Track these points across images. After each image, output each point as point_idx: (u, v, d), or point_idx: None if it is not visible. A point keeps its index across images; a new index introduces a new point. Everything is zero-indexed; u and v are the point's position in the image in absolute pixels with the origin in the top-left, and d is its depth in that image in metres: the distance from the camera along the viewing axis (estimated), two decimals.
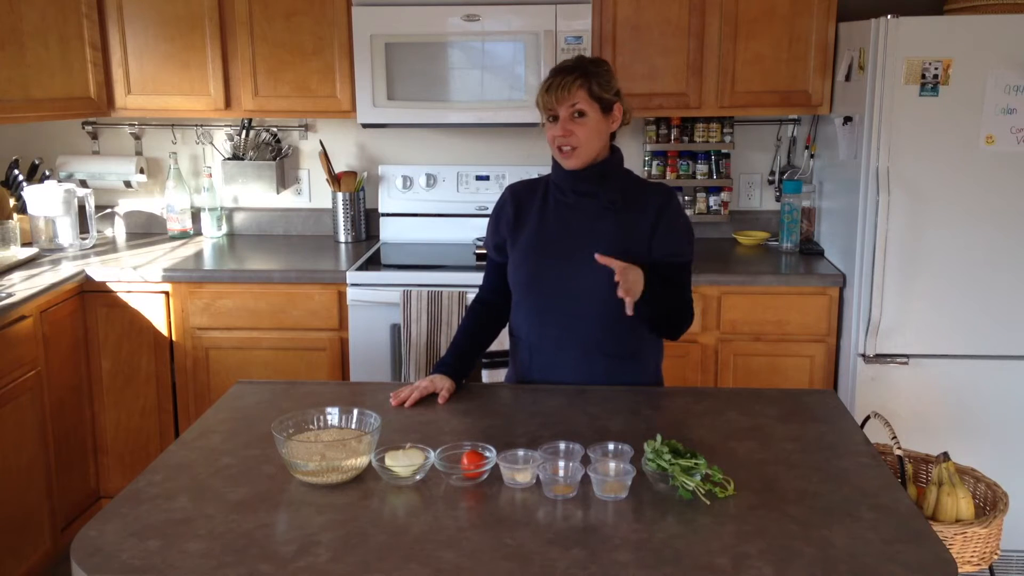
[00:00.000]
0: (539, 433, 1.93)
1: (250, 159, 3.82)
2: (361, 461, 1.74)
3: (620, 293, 2.00)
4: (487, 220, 2.38)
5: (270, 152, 3.86)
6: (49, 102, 3.24)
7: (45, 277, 3.18)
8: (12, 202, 3.62)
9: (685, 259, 2.23)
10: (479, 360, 2.34)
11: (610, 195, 2.20)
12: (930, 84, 2.90)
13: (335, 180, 3.80)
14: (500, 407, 2.18)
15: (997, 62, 2.87)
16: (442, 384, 2.18)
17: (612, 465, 1.73)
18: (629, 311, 2.02)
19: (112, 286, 3.31)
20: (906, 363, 3.08)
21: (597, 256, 2.04)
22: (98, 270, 3.31)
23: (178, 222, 3.86)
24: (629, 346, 2.25)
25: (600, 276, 2.13)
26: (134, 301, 3.32)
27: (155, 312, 3.32)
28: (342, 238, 3.81)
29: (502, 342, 2.66)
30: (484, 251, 2.44)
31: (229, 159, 3.82)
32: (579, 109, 2.12)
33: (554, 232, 2.22)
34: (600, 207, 2.20)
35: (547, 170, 2.34)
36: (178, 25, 3.44)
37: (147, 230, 3.99)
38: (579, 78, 2.12)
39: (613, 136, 2.23)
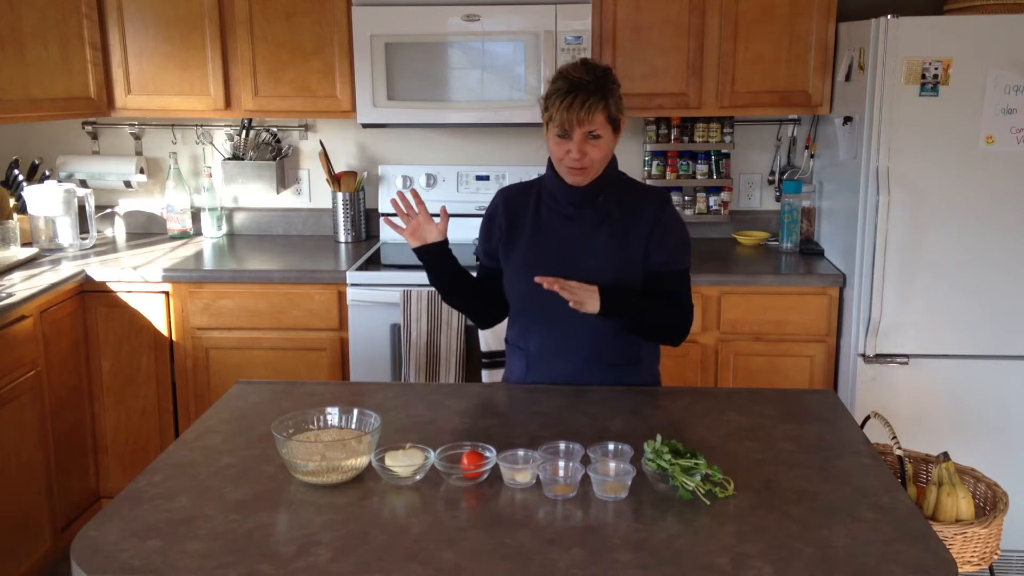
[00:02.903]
0: (539, 433, 1.93)
1: (250, 159, 3.82)
2: (361, 461, 1.74)
3: (573, 304, 2.04)
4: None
5: (270, 152, 3.86)
6: (49, 102, 3.24)
7: (45, 277, 3.18)
8: (12, 202, 3.62)
9: (681, 267, 2.21)
10: (460, 279, 2.31)
11: (607, 206, 2.18)
12: (930, 84, 2.90)
13: (335, 180, 3.80)
14: (500, 407, 2.18)
15: (997, 62, 2.87)
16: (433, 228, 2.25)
17: (612, 465, 1.73)
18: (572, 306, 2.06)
19: (112, 286, 3.31)
20: (906, 363, 3.08)
21: (537, 279, 2.04)
22: (98, 270, 3.31)
23: (178, 222, 3.86)
24: (628, 354, 2.24)
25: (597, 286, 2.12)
26: (134, 301, 3.32)
27: (155, 312, 3.32)
28: (342, 238, 3.81)
29: (502, 342, 2.66)
30: None
31: (229, 159, 3.82)
32: (596, 133, 2.08)
33: (549, 244, 2.20)
34: (596, 218, 2.19)
35: (541, 172, 2.32)
36: (178, 25, 3.44)
37: (147, 230, 3.99)
38: (600, 100, 2.05)
39: None
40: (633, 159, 3.75)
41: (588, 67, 2.10)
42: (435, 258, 2.26)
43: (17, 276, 3.19)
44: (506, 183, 3.37)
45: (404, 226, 2.26)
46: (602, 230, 2.18)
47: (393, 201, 2.26)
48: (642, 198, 2.21)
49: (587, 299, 2.05)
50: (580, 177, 2.14)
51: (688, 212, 3.72)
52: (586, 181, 2.15)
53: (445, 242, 2.27)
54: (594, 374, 2.22)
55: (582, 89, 2.05)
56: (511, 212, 2.27)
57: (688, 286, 2.23)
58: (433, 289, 3.15)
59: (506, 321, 2.41)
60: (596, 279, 2.12)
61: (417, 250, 2.27)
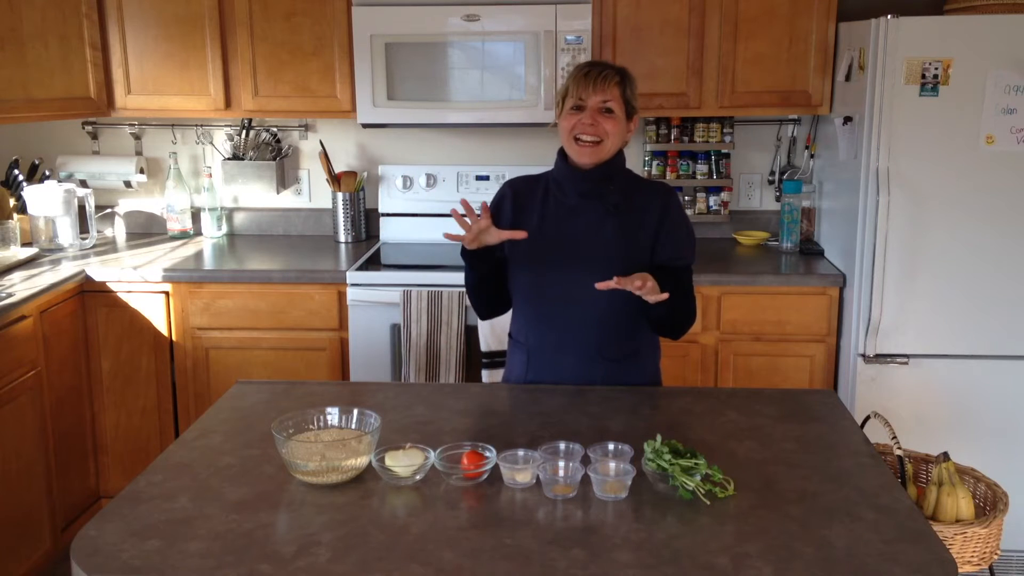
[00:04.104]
0: (539, 433, 1.93)
1: (250, 159, 3.82)
2: (361, 461, 1.74)
3: (651, 298, 1.98)
4: None
5: (270, 152, 3.86)
6: (49, 102, 3.24)
7: (45, 277, 3.18)
8: (12, 202, 3.62)
9: (687, 261, 2.23)
10: (496, 273, 2.24)
11: (613, 197, 2.19)
12: (930, 84, 2.90)
13: (335, 180, 3.80)
14: (500, 407, 2.18)
15: (997, 62, 2.87)
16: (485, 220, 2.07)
17: (612, 465, 1.73)
18: (657, 298, 2.00)
19: (112, 286, 3.31)
20: (906, 363, 3.08)
21: (598, 285, 2.00)
22: (98, 270, 3.31)
23: (178, 222, 3.86)
24: (628, 348, 2.24)
25: (600, 280, 2.13)
26: (134, 301, 3.32)
27: (155, 312, 3.32)
28: (342, 238, 3.81)
29: (503, 342, 2.66)
30: None
31: (229, 159, 3.82)
32: (610, 106, 2.13)
33: (555, 237, 2.21)
34: (602, 210, 2.20)
35: (546, 170, 2.33)
36: (178, 25, 3.44)
37: (147, 230, 3.99)
38: (617, 75, 2.15)
39: None
40: (633, 159, 3.75)
41: (606, 62, 2.25)
42: (482, 259, 2.18)
43: (17, 276, 3.19)
44: None
45: (463, 232, 2.10)
46: (608, 222, 2.19)
47: (454, 211, 2.11)
48: (648, 192, 2.23)
49: (653, 284, 2.00)
50: (589, 154, 2.14)
51: (688, 212, 3.72)
52: (595, 160, 2.15)
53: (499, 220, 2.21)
54: (594, 369, 2.22)
55: (600, 65, 2.17)
56: (519, 202, 2.27)
57: (692, 281, 2.25)
58: (433, 289, 3.17)
59: (506, 320, 2.41)
60: (602, 272, 2.13)
61: (471, 251, 2.15)
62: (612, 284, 1.99)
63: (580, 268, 2.16)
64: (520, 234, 2.09)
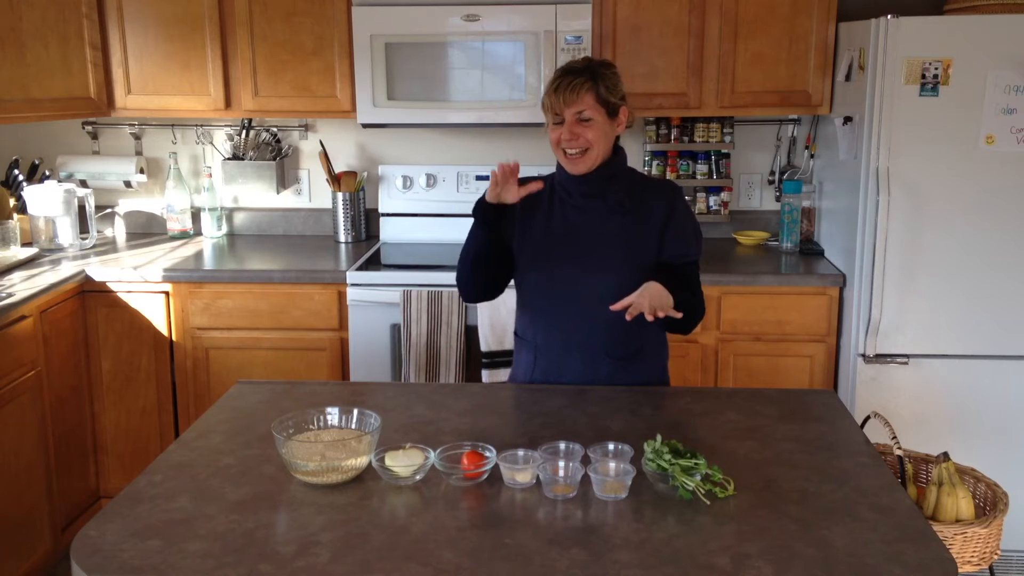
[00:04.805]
0: (539, 433, 1.93)
1: (250, 159, 3.82)
2: (361, 461, 1.74)
3: (650, 316, 1.97)
4: None
5: (270, 152, 3.86)
6: (49, 102, 3.24)
7: (45, 277, 3.18)
8: (12, 202, 3.62)
9: (694, 258, 2.23)
10: (498, 247, 2.24)
11: (616, 196, 2.19)
12: (930, 84, 2.90)
13: (335, 180, 3.80)
14: (500, 407, 2.18)
15: (997, 62, 2.87)
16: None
17: (612, 465, 1.73)
18: (671, 313, 2.00)
19: (112, 286, 3.31)
20: (906, 363, 3.08)
21: (612, 307, 2.01)
22: (98, 270, 3.31)
23: (178, 222, 3.86)
24: (634, 347, 2.24)
25: (607, 279, 2.13)
26: (134, 301, 3.32)
27: (155, 312, 3.32)
28: (342, 238, 3.81)
29: (502, 342, 2.67)
30: None
31: (229, 159, 3.82)
32: (586, 115, 2.11)
33: (561, 236, 2.21)
34: (606, 209, 2.20)
35: (547, 170, 2.33)
36: (178, 25, 3.44)
37: (147, 230, 3.99)
38: (587, 81, 2.10)
39: (617, 138, 2.22)
40: (633, 159, 3.73)
41: (586, 60, 2.19)
42: (495, 217, 2.19)
43: (17, 276, 3.19)
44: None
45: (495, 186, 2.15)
46: (613, 221, 2.19)
47: (493, 172, 2.15)
48: (653, 191, 2.23)
49: (661, 297, 2.00)
50: (579, 164, 2.14)
51: None
52: (585, 168, 2.15)
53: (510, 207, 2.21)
54: (600, 367, 2.22)
55: (570, 73, 2.12)
56: (526, 200, 2.25)
57: (699, 276, 2.24)
58: (433, 289, 3.17)
59: (507, 320, 2.41)
60: (608, 270, 2.14)
61: (488, 205, 2.17)
62: (624, 304, 1.99)
63: (586, 266, 2.16)
64: (537, 184, 2.13)
